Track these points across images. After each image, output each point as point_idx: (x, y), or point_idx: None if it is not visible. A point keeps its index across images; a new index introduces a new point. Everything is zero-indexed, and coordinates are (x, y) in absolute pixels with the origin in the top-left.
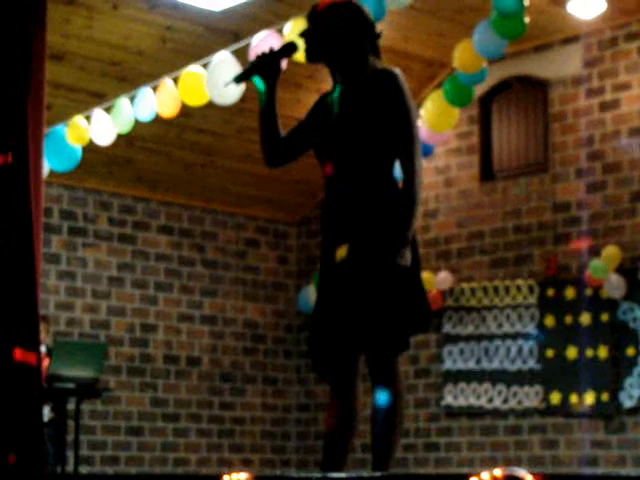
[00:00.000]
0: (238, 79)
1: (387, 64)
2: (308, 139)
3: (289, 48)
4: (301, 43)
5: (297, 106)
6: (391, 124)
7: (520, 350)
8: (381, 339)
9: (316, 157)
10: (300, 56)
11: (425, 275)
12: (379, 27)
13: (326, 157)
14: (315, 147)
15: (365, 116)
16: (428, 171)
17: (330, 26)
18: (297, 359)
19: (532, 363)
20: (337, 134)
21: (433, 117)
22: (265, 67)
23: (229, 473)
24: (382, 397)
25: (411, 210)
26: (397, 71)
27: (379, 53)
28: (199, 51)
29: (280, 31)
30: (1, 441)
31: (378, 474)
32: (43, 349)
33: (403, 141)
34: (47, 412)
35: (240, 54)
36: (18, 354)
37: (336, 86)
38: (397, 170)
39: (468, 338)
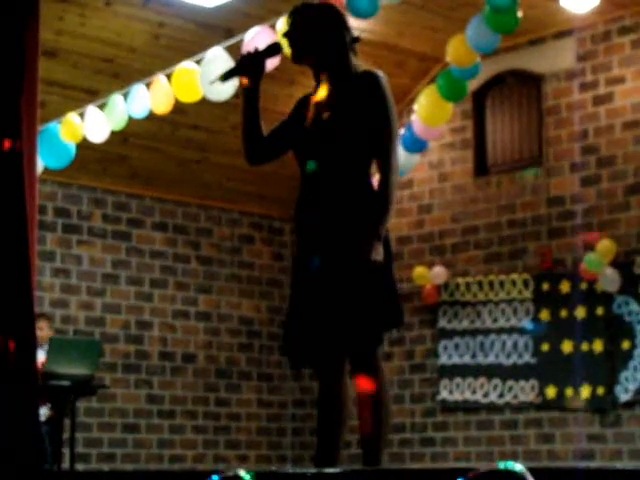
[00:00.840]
0: (223, 77)
1: (377, 62)
2: (289, 139)
3: (273, 48)
4: (285, 43)
5: (290, 102)
6: (371, 124)
7: (515, 344)
8: (357, 335)
9: (295, 157)
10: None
11: (420, 270)
12: (371, 24)
13: (306, 157)
14: (295, 147)
15: (347, 117)
16: (422, 166)
17: (311, 28)
18: None
19: (527, 357)
20: (319, 134)
21: (427, 112)
22: (249, 66)
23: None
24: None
25: (385, 207)
26: (380, 73)
27: (356, 55)
28: (192, 47)
29: (273, 27)
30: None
31: (371, 469)
32: (43, 352)
33: (381, 141)
34: (45, 411)
35: (233, 50)
36: (12, 346)
37: (318, 87)
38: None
39: (463, 333)
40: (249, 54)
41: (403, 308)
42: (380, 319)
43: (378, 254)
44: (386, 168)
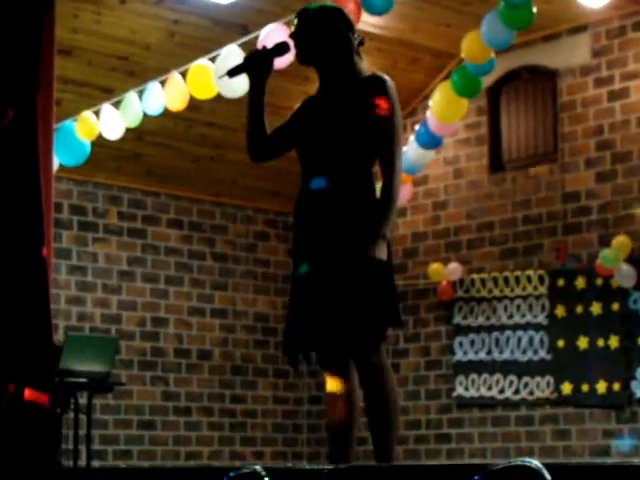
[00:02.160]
0: (230, 73)
1: (392, 58)
2: (292, 139)
3: (282, 47)
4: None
5: (304, 99)
6: (376, 128)
7: (531, 340)
8: (357, 330)
9: (299, 157)
10: None
11: (435, 266)
12: (386, 20)
13: (310, 157)
14: (298, 148)
15: (352, 120)
16: (437, 162)
17: (317, 30)
18: None
19: (543, 353)
20: (323, 137)
21: (442, 108)
22: (257, 64)
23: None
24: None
25: (389, 206)
26: (386, 77)
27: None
28: (207, 45)
29: (288, 24)
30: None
31: (387, 465)
32: None
33: (386, 143)
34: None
35: (248, 47)
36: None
37: (323, 89)
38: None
39: (479, 329)
40: (257, 51)
41: (400, 308)
42: (380, 316)
43: (382, 253)
44: (390, 170)
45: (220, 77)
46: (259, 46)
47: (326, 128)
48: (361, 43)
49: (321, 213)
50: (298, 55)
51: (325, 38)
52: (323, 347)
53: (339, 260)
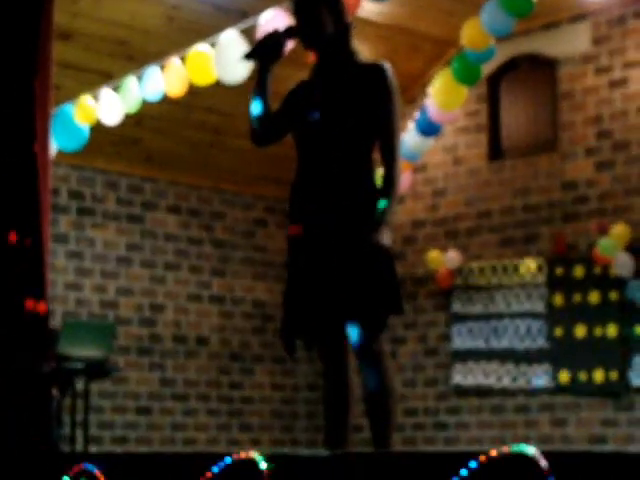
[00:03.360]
0: (247, 56)
1: (392, 45)
2: (289, 123)
3: (293, 30)
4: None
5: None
6: (376, 115)
7: (529, 329)
8: (364, 316)
9: (295, 141)
10: None
11: (434, 254)
12: (386, 7)
13: (308, 143)
14: (296, 132)
15: (351, 106)
16: (436, 150)
17: (313, 11)
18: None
19: (541, 342)
20: (323, 120)
21: (441, 96)
22: (270, 47)
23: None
24: (371, 380)
25: (391, 193)
26: (387, 65)
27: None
28: (206, 30)
29: (288, 9)
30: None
31: (384, 451)
32: None
33: (385, 130)
34: (54, 392)
35: (248, 33)
36: (29, 304)
37: (321, 73)
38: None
39: (477, 317)
40: (270, 34)
41: (402, 296)
42: (383, 303)
43: (386, 239)
44: (390, 157)
45: (240, 60)
46: (260, 32)
47: (325, 113)
48: (352, 24)
49: (323, 199)
50: (301, 36)
51: (320, 18)
52: (321, 332)
53: (344, 246)
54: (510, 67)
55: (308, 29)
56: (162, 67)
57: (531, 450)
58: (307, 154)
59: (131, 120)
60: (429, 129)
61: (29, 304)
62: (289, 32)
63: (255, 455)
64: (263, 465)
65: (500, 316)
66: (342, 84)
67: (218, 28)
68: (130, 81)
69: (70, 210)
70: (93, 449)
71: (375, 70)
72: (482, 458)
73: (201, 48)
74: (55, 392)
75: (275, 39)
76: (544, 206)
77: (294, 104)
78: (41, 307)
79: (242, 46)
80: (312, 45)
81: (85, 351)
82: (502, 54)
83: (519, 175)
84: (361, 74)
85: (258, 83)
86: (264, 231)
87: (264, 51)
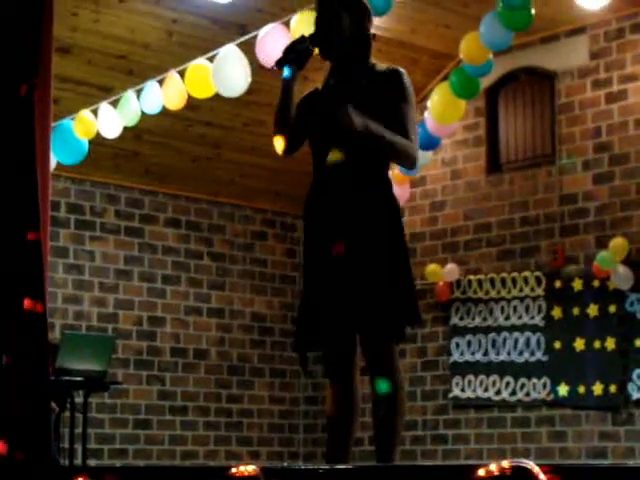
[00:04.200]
0: (278, 64)
1: (391, 58)
2: (305, 131)
3: (314, 37)
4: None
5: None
6: (391, 115)
7: (527, 342)
8: (383, 320)
9: (312, 147)
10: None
11: (432, 267)
12: (385, 21)
13: (326, 149)
14: (312, 138)
15: (368, 110)
16: (435, 163)
17: (341, 17)
18: None
19: (539, 355)
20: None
21: (440, 109)
22: (297, 53)
23: (237, 466)
24: (382, 386)
25: (379, 130)
26: (403, 70)
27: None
28: (205, 44)
29: (287, 24)
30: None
31: (383, 465)
32: None
33: (400, 130)
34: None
35: (246, 47)
36: (27, 303)
37: (335, 79)
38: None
39: (475, 330)
40: (297, 41)
41: (419, 306)
42: (399, 313)
43: (357, 122)
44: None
45: (272, 67)
46: (258, 47)
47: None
48: (374, 36)
49: (337, 205)
50: (321, 42)
51: (347, 25)
52: (332, 344)
53: (358, 257)
54: (508, 80)
55: (327, 34)
56: (161, 81)
57: (530, 464)
58: (323, 160)
59: (130, 134)
60: (428, 142)
61: (28, 303)
62: (313, 39)
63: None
64: None
65: (499, 329)
66: (358, 90)
67: (217, 42)
68: (129, 95)
69: (69, 224)
70: (92, 463)
71: (391, 74)
72: (482, 474)
73: (200, 62)
74: (54, 405)
75: (302, 45)
76: (542, 219)
77: (310, 111)
78: (39, 307)
79: (241, 60)
80: (330, 51)
81: (84, 364)
82: (501, 67)
83: (518, 188)
84: (377, 80)
85: (285, 91)
86: (263, 244)
87: (293, 58)
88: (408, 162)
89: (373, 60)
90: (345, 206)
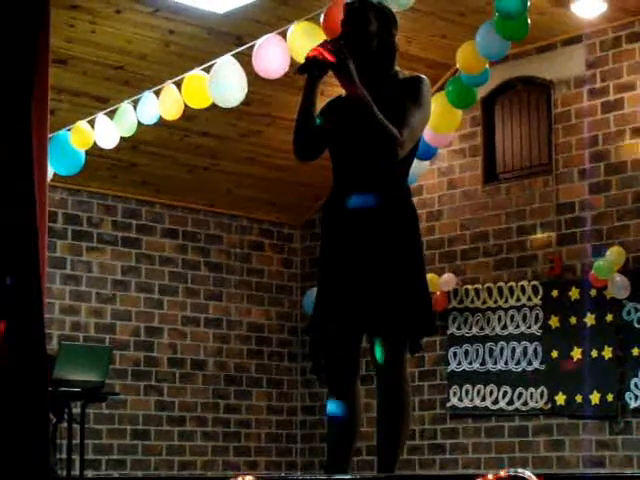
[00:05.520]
0: (300, 70)
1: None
2: (326, 138)
3: (337, 43)
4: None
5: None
6: (396, 110)
7: (525, 351)
8: (403, 330)
9: (331, 154)
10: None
11: (429, 277)
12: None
13: (344, 155)
14: (334, 151)
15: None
16: (431, 173)
17: (364, 23)
18: (302, 361)
19: (537, 364)
20: (359, 133)
21: (436, 119)
22: (320, 59)
23: (235, 476)
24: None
25: (367, 100)
26: (424, 77)
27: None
28: (202, 55)
29: (283, 34)
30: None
31: (383, 475)
32: None
33: (400, 119)
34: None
35: (243, 57)
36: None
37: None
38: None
39: (473, 339)
40: (319, 47)
41: (434, 316)
42: (418, 323)
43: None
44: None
45: (294, 73)
46: (255, 57)
47: (361, 127)
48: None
49: (358, 214)
50: (348, 48)
51: (375, 34)
52: (338, 351)
53: (379, 265)
54: (505, 90)
55: (355, 39)
56: (158, 91)
57: (528, 474)
58: (343, 167)
59: (127, 144)
60: (424, 152)
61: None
62: (335, 45)
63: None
64: None
65: (496, 338)
66: (381, 97)
67: (213, 53)
68: (126, 105)
69: (66, 234)
70: (90, 474)
71: (412, 80)
72: None
73: (197, 73)
74: (51, 416)
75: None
76: (539, 228)
77: (332, 118)
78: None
79: (237, 70)
80: (355, 56)
81: (81, 375)
82: (497, 77)
83: (514, 197)
84: (399, 87)
85: (306, 97)
86: (260, 254)
87: (315, 64)
88: (390, 148)
89: (397, 68)
90: (364, 214)
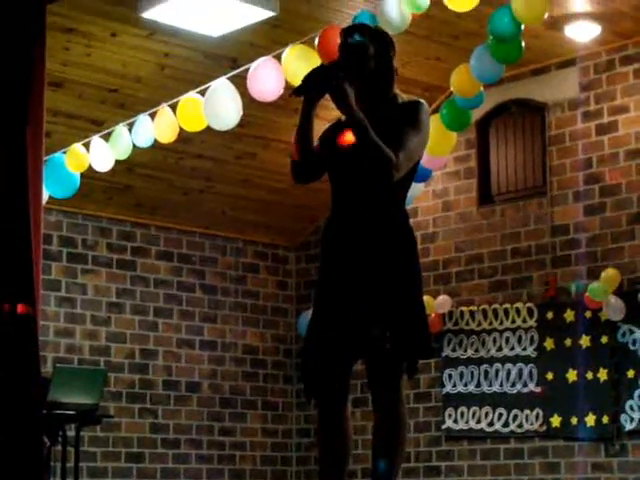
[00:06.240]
0: (296, 92)
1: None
2: (325, 162)
3: (336, 65)
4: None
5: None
6: (393, 133)
7: (520, 373)
8: (401, 353)
9: (330, 177)
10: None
11: (424, 299)
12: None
13: (342, 178)
14: (331, 168)
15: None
16: (426, 195)
17: (362, 48)
18: (297, 384)
19: (532, 386)
20: (357, 157)
21: (431, 141)
22: (318, 82)
23: None
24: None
25: (360, 120)
26: (423, 101)
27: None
28: (197, 77)
29: (278, 57)
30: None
31: None
32: None
33: (397, 142)
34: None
35: (238, 80)
36: (20, 308)
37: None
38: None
39: (468, 361)
40: (317, 69)
41: (431, 339)
42: (416, 347)
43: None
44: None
45: (290, 95)
46: (251, 79)
47: (360, 151)
48: (396, 70)
49: (357, 236)
50: (346, 71)
51: (373, 58)
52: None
53: (377, 285)
54: (499, 112)
55: (353, 63)
56: (153, 114)
57: None
58: (342, 191)
59: (122, 167)
60: (419, 174)
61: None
62: (335, 67)
63: None
64: None
65: (491, 360)
66: (379, 121)
67: (209, 76)
68: (121, 128)
69: (61, 257)
70: None
71: (410, 104)
72: None
73: (192, 95)
74: (45, 439)
75: (321, 74)
76: (534, 250)
77: (331, 142)
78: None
79: (232, 93)
80: (352, 80)
81: (76, 398)
82: (491, 99)
83: (509, 220)
84: (397, 111)
85: (303, 119)
86: (255, 277)
87: (312, 86)
88: (385, 171)
89: (396, 91)
90: (363, 236)
